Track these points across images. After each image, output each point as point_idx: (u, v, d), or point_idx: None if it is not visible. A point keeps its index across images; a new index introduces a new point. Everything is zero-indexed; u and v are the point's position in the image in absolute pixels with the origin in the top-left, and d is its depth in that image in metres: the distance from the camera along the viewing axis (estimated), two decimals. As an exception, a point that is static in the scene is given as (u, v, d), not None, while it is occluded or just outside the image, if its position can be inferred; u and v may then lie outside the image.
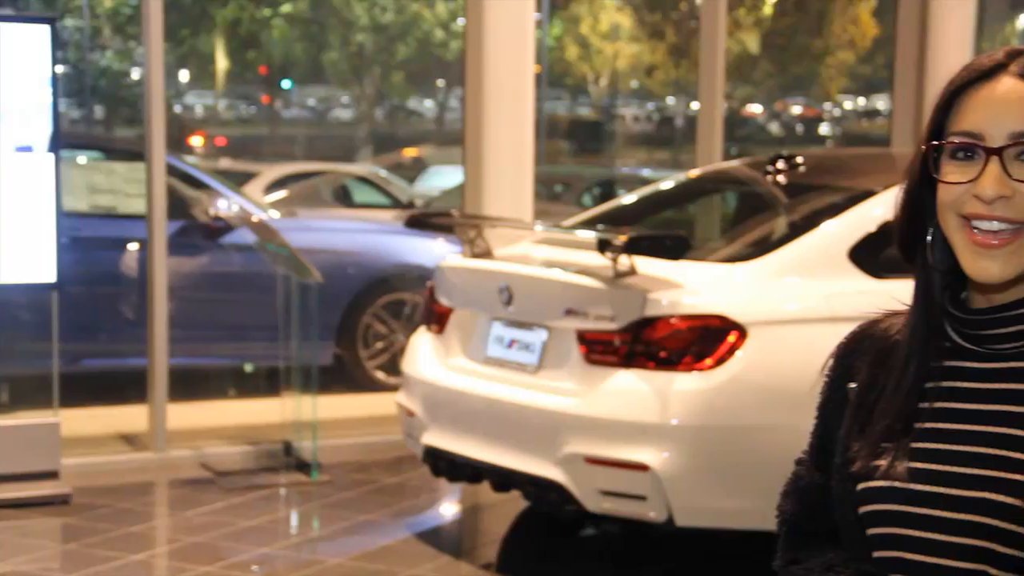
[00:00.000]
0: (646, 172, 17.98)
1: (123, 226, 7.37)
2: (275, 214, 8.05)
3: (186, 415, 6.73)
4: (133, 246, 7.25)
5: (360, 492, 5.83)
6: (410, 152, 21.81)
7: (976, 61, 1.52)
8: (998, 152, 1.45)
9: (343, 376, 7.68)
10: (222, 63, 25.06)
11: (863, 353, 1.62)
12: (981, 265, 1.47)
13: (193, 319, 7.33)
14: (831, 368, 1.66)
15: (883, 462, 1.52)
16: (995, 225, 1.45)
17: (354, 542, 5.15)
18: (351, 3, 24.12)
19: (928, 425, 1.52)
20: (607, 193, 13.90)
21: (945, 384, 1.53)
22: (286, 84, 27.69)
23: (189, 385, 7.22)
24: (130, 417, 6.59)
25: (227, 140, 23.84)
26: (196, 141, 21.62)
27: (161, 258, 6.17)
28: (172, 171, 6.79)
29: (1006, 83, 1.47)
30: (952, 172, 1.48)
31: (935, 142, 1.50)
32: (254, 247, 6.83)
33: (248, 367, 8.07)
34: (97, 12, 22.37)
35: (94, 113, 22.64)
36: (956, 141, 1.48)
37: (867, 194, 4.68)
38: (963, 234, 1.47)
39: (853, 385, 1.61)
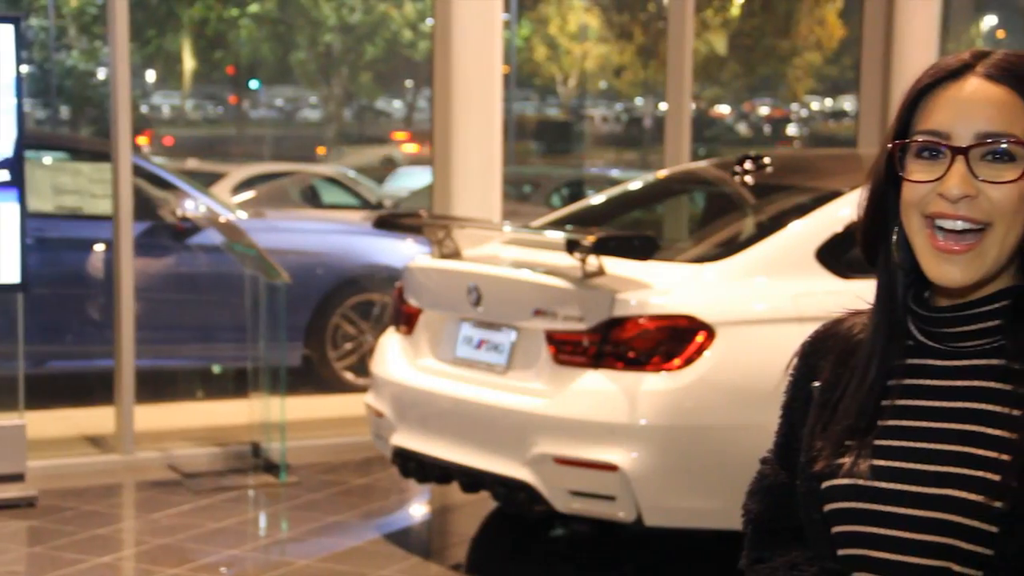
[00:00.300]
0: (615, 173, 18.01)
1: (89, 227, 7.32)
2: (243, 215, 8.02)
3: (153, 417, 6.69)
4: (99, 247, 7.21)
5: (329, 493, 5.81)
6: (402, 148, 21.81)
7: (943, 61, 1.53)
8: (964, 152, 1.46)
9: (312, 377, 7.66)
10: (189, 63, 24.94)
11: (827, 352, 1.63)
12: (943, 270, 1.48)
13: (160, 320, 7.30)
14: (795, 367, 1.67)
15: (847, 460, 1.53)
16: (959, 225, 1.46)
17: (323, 543, 5.14)
18: (319, 3, 24.05)
19: (891, 423, 1.53)
20: (576, 194, 13.92)
21: (908, 382, 1.54)
22: (254, 84, 27.59)
23: (156, 386, 7.18)
24: (97, 419, 6.55)
25: (192, 140, 23.72)
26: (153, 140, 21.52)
27: (128, 259, 6.14)
28: (139, 172, 6.75)
29: (973, 83, 1.49)
30: (917, 171, 1.49)
31: (901, 140, 1.51)
32: (221, 248, 6.80)
33: (216, 368, 8.03)
34: (62, 11, 22.21)
35: (59, 113, 22.48)
36: (922, 140, 1.49)
37: (834, 194, 4.70)
38: (926, 238, 1.48)
39: (817, 384, 1.62)
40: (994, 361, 1.50)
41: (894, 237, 1.54)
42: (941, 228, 1.47)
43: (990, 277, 1.49)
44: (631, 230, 5.18)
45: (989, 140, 1.46)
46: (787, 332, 4.28)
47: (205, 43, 24.14)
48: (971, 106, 1.47)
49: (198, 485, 5.87)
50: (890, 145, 1.52)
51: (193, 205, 7.59)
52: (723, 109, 32.68)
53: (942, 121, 1.48)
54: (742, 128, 32.40)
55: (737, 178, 5.20)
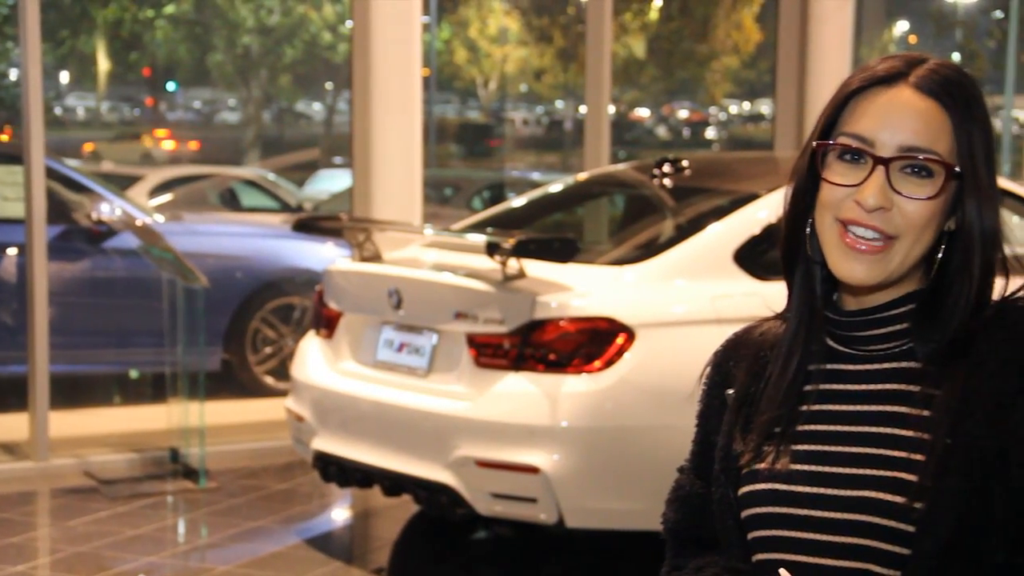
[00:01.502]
0: (535, 175, 18.07)
1: (1, 230, 7.19)
2: (159, 218, 7.93)
3: (69, 423, 6.60)
4: (12, 251, 7.09)
5: (249, 498, 5.76)
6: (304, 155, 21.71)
7: (876, 65, 1.53)
8: (886, 163, 1.48)
9: (231, 381, 7.59)
10: (104, 64, 24.60)
11: (739, 359, 1.64)
12: (848, 266, 1.50)
13: (75, 325, 7.19)
14: (708, 376, 1.68)
15: (763, 465, 1.54)
16: (869, 233, 1.48)
17: (243, 549, 5.09)
18: (236, 4, 23.84)
19: (807, 427, 1.55)
20: (497, 196, 13.94)
21: (823, 387, 1.56)
22: (171, 86, 27.27)
23: (72, 392, 7.07)
24: (10, 425, 6.44)
25: (107, 142, 23.41)
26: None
27: (41, 263, 6.05)
28: (52, 174, 6.65)
29: (904, 94, 1.49)
30: (838, 173, 1.50)
31: (826, 141, 1.52)
32: (138, 251, 6.73)
33: (133, 373, 7.94)
34: (-27, 11, 21.80)
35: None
36: (846, 142, 1.50)
37: (751, 197, 4.75)
38: (836, 234, 1.50)
39: (731, 391, 1.63)
40: (903, 364, 1.53)
41: (808, 230, 1.56)
42: (852, 232, 1.49)
43: (894, 281, 1.52)
44: (551, 233, 5.20)
45: (911, 154, 1.48)
46: (706, 334, 4.33)
47: (120, 44, 23.82)
48: (899, 117, 1.48)
49: (115, 492, 5.79)
50: (815, 144, 1.53)
51: (109, 208, 7.49)
52: (643, 112, 32.93)
53: (868, 127, 1.49)
54: (661, 131, 32.67)
55: (656, 181, 5.24)
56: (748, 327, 1.68)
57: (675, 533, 1.70)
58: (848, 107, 1.52)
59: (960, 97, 1.50)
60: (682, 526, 1.69)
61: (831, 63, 7.74)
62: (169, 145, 22.96)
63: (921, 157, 1.48)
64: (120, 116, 28.28)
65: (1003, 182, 5.58)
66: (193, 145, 23.84)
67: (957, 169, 1.49)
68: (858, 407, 1.53)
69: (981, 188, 1.50)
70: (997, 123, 24.77)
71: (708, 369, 1.68)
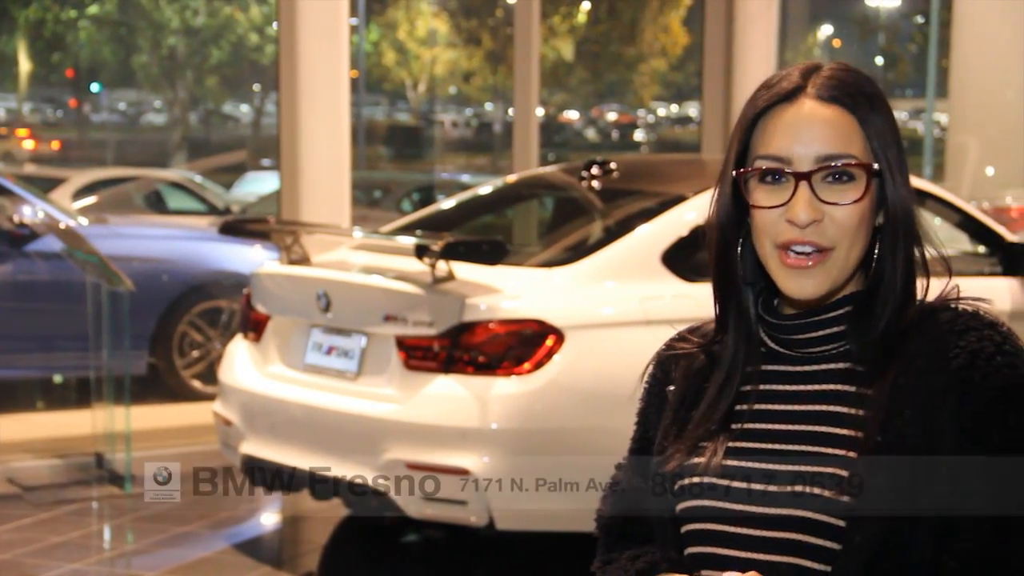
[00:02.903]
0: (465, 178, 18.07)
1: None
2: (84, 221, 7.83)
3: (-9, 429, 6.50)
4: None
5: (176, 504, 5.70)
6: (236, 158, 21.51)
7: (775, 83, 1.56)
8: (807, 176, 1.50)
9: (158, 386, 7.52)
10: (25, 65, 24.22)
11: (680, 358, 1.66)
12: (798, 284, 1.53)
13: (-3, 330, 7.09)
14: (650, 374, 1.70)
15: (700, 461, 1.56)
16: (808, 248, 1.51)
17: (171, 555, 5.04)
18: (161, 5, 23.59)
19: (745, 426, 1.57)
20: (426, 199, 13.92)
21: (762, 387, 1.59)
22: (95, 88, 26.93)
23: (-6, 398, 6.97)
24: (-70, 433, 6.33)
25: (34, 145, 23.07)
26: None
27: (-38, 267, 5.94)
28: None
29: (807, 106, 1.52)
30: (763, 196, 1.53)
31: (744, 169, 1.55)
32: (62, 255, 6.64)
33: (57, 378, 7.83)
34: None
35: None
36: (764, 166, 1.53)
37: (678, 199, 4.79)
38: (778, 258, 1.53)
39: (672, 388, 1.65)
40: (841, 365, 1.56)
41: (739, 250, 1.58)
42: (792, 252, 1.52)
43: (839, 288, 1.55)
44: (481, 235, 5.20)
45: (829, 163, 1.50)
46: (635, 335, 4.36)
47: (43, 45, 23.48)
48: (808, 130, 1.51)
49: (39, 498, 5.71)
50: (734, 173, 1.55)
51: (31, 211, 7.38)
52: (571, 115, 33.05)
53: (781, 146, 1.52)
54: (590, 133, 32.82)
55: (585, 183, 5.26)
56: (692, 327, 1.70)
57: (609, 528, 1.71)
58: (757, 129, 1.55)
59: (860, 96, 1.53)
60: (617, 521, 1.70)
61: (757, 66, 7.83)
62: (29, 144, 22.48)
63: (839, 163, 1.51)
64: (43, 117, 27.87)
65: (926, 185, 5.68)
66: (55, 144, 23.52)
67: (876, 167, 1.52)
68: (796, 407, 1.56)
69: (897, 178, 1.54)
70: (919, 126, 25.17)
71: (650, 368, 1.71)
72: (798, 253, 1.51)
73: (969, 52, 10.72)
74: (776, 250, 1.52)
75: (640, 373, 1.72)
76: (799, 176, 1.50)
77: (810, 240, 1.50)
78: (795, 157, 1.51)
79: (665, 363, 1.68)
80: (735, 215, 1.57)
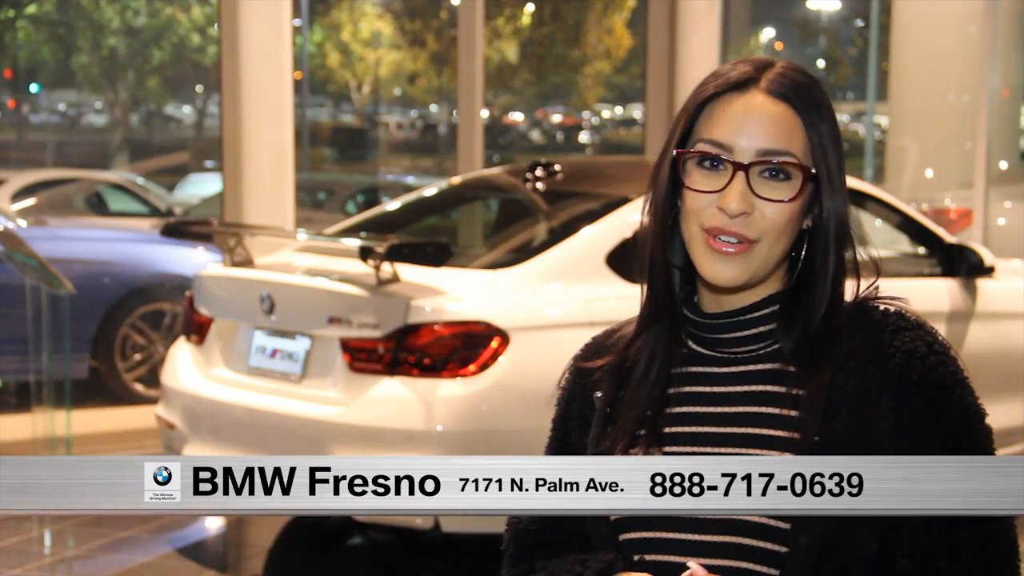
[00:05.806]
0: (410, 179, 18.03)
1: None
2: (22, 223, 7.74)
3: (-72, 435, 6.41)
4: None
5: (118, 509, 5.65)
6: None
7: (727, 72, 1.56)
8: (745, 168, 1.51)
9: (100, 389, 7.45)
10: (-37, 65, 23.89)
11: (601, 364, 1.65)
12: (718, 269, 1.53)
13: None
14: (568, 380, 1.69)
15: None
16: (733, 239, 1.52)
17: (113, 560, 5.00)
18: (101, 5, 23.36)
19: (674, 430, 1.57)
20: (371, 200, 13.88)
21: (687, 389, 1.59)
22: (34, 88, 26.61)
23: (-69, 403, 6.87)
24: None
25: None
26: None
27: (-101, 270, 5.86)
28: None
29: (756, 98, 1.53)
30: (699, 180, 1.53)
31: (684, 149, 1.55)
32: (0, 257, 6.55)
33: (-4, 383, 7.73)
34: None
35: None
36: (705, 149, 1.53)
37: (622, 201, 4.81)
38: (703, 240, 1.53)
39: (599, 394, 1.64)
40: (770, 365, 1.56)
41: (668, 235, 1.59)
42: (719, 237, 1.52)
43: (758, 281, 1.56)
44: (425, 237, 5.20)
45: (769, 158, 1.51)
46: (580, 337, 4.34)
47: (-20, 44, 23.17)
48: (753, 122, 1.52)
49: (-22, 505, 5.63)
50: (675, 152, 1.56)
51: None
52: (516, 116, 33.07)
53: (725, 134, 1.52)
54: (535, 135, 32.86)
55: (529, 185, 5.28)
56: (607, 331, 1.70)
57: (525, 538, 1.66)
58: (704, 113, 1.55)
59: (809, 99, 1.54)
60: (534, 530, 1.66)
61: (700, 68, 7.88)
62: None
63: (779, 161, 1.51)
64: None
65: (866, 186, 5.74)
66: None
67: (813, 171, 1.53)
68: (726, 409, 1.56)
69: (834, 187, 1.55)
70: (860, 128, 25.42)
71: (567, 375, 1.69)
72: (722, 240, 1.51)
73: (908, 55, 10.86)
74: (702, 233, 1.53)
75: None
76: (738, 166, 1.51)
77: (736, 231, 1.51)
78: (737, 147, 1.52)
79: (584, 370, 1.67)
80: (671, 195, 1.57)
